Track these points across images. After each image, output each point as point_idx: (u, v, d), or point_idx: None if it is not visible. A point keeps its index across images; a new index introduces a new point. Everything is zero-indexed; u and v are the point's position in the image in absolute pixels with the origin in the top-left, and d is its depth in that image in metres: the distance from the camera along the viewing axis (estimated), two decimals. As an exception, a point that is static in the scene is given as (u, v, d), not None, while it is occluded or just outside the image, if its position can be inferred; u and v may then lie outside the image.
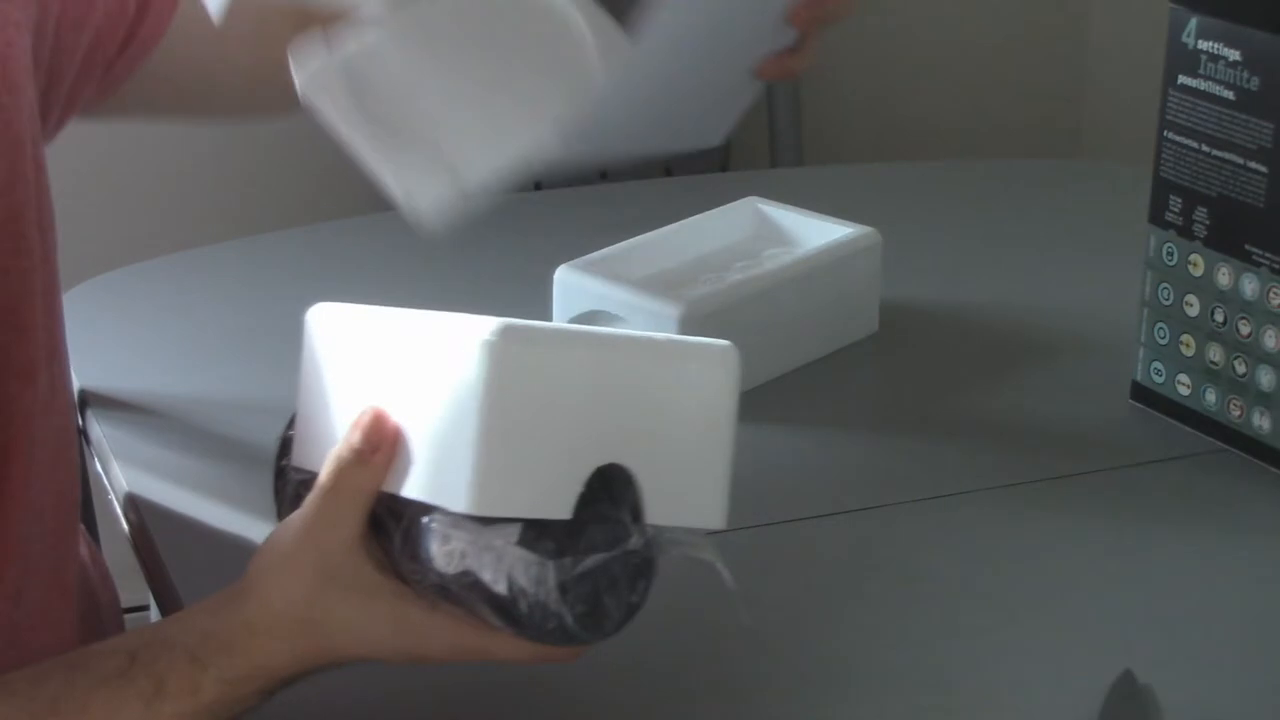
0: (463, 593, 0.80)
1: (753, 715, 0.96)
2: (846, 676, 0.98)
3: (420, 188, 0.89)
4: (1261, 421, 1.16)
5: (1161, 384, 1.22)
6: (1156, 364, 1.23)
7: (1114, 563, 1.08)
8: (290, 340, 1.23)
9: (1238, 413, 1.18)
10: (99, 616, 1.12)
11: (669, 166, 2.54)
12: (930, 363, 1.32)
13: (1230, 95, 1.15)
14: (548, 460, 0.79)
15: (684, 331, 1.21)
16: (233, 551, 1.08)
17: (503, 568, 0.79)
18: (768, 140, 2.58)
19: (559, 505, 0.79)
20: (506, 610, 0.80)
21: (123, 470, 1.16)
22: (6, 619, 0.97)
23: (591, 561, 0.79)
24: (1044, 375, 1.30)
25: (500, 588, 0.79)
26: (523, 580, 0.79)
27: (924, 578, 1.06)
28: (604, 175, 2.51)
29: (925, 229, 1.52)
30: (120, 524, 1.15)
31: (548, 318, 1.27)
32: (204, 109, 1.24)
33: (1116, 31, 2.57)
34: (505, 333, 0.78)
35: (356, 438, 0.84)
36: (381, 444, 0.84)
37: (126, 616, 1.20)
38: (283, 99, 1.14)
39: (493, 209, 0.94)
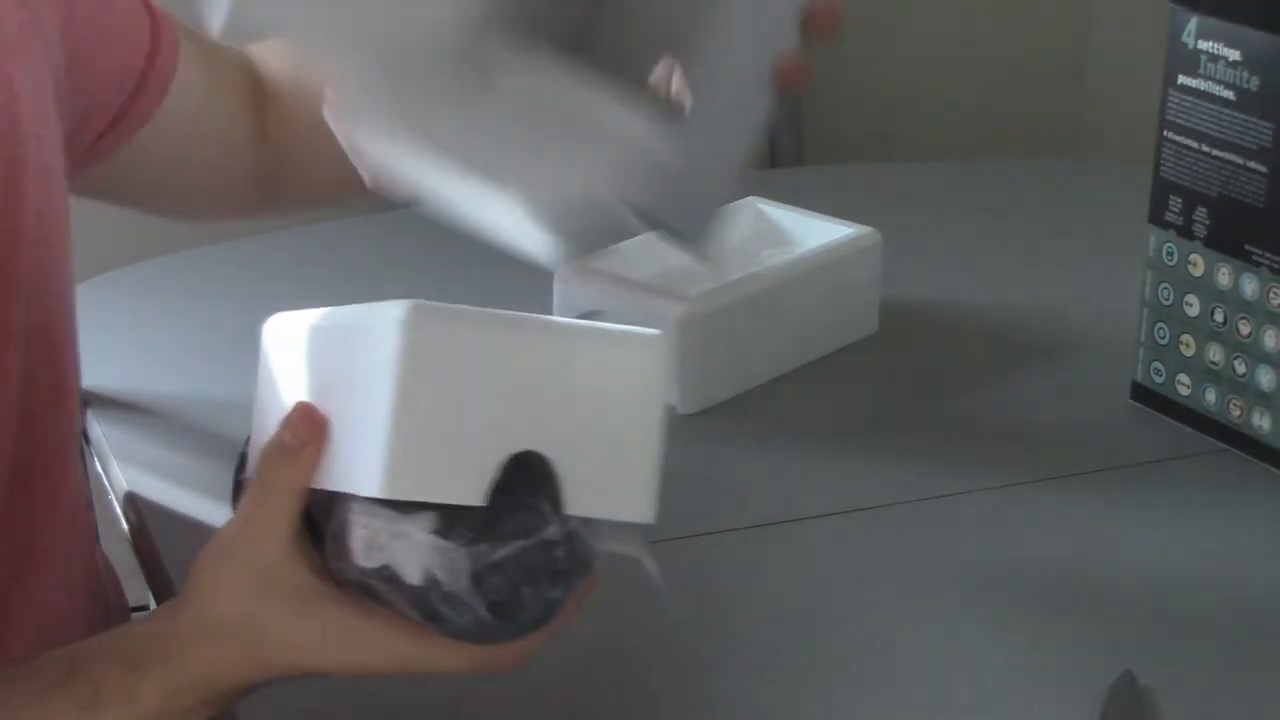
0: (383, 589, 0.79)
1: (752, 715, 0.96)
2: (846, 676, 0.98)
3: (515, 226, 0.87)
4: (1261, 421, 1.16)
5: (1161, 384, 1.23)
6: (1156, 364, 1.23)
7: (1114, 562, 1.08)
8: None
9: (1238, 413, 1.18)
10: (108, 618, 1.12)
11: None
12: (930, 363, 1.32)
13: (1230, 95, 1.15)
14: (462, 444, 0.78)
15: (684, 331, 1.21)
16: (233, 551, 1.09)
17: (417, 558, 0.78)
18: (768, 140, 2.58)
19: (473, 491, 0.78)
20: (423, 603, 0.78)
21: (123, 470, 1.16)
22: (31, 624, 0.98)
23: (506, 550, 0.78)
24: (1044, 375, 1.30)
25: (414, 579, 0.78)
26: (436, 570, 0.78)
27: (924, 578, 1.06)
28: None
29: (925, 229, 1.52)
30: (120, 524, 1.15)
31: (548, 318, 1.27)
32: (176, 204, 1.21)
33: (1116, 31, 2.57)
34: (417, 311, 0.77)
35: (285, 433, 0.83)
36: (311, 438, 0.82)
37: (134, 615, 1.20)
38: (256, 199, 1.17)
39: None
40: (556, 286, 1.27)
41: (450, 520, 0.78)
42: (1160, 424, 1.22)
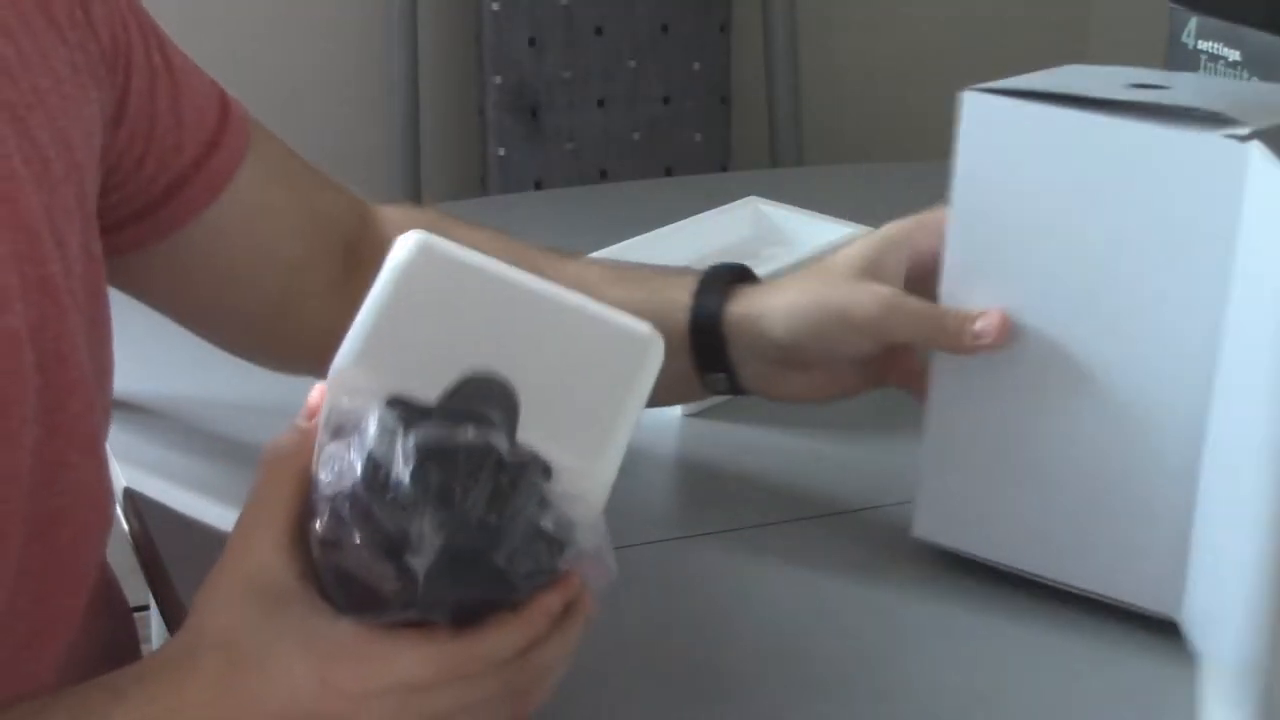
0: (340, 511, 0.79)
1: (750, 715, 0.96)
2: (846, 676, 0.98)
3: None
4: None
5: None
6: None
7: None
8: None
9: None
10: (110, 614, 1.11)
11: (669, 166, 2.54)
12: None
13: (1230, 95, 1.15)
14: (433, 351, 0.81)
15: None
16: (233, 551, 1.09)
17: (364, 441, 0.78)
18: (768, 140, 2.59)
19: (431, 386, 0.80)
20: (364, 507, 0.78)
21: (123, 470, 1.16)
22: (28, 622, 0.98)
23: (445, 434, 0.78)
24: (1044, 375, 1.30)
25: (357, 468, 0.78)
26: (377, 446, 0.78)
27: (924, 577, 1.06)
28: (604, 174, 2.52)
29: (925, 229, 1.52)
30: (120, 524, 1.15)
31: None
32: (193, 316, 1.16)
33: (1116, 31, 2.58)
34: (428, 238, 0.84)
35: (301, 413, 0.83)
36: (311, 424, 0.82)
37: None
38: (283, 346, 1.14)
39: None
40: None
41: (404, 406, 0.79)
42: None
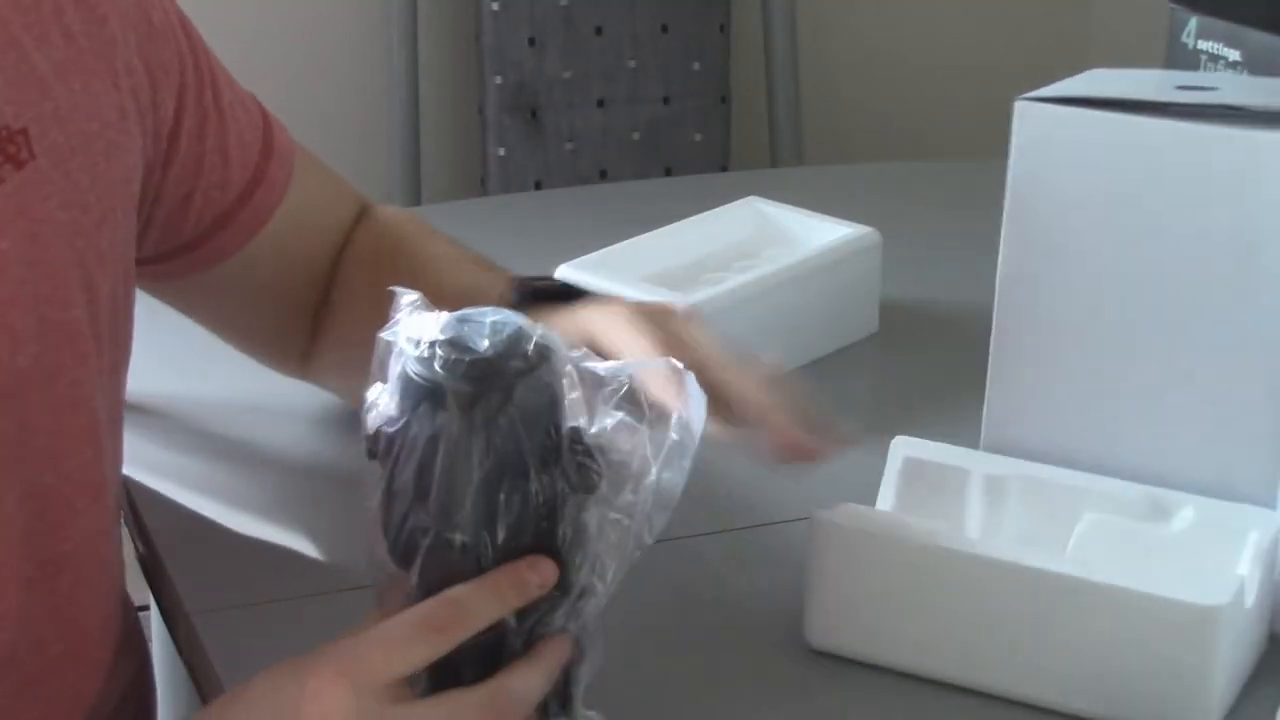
0: (393, 443, 0.81)
1: (749, 714, 0.96)
2: (846, 676, 0.98)
3: None
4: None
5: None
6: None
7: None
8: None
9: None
10: (130, 655, 1.11)
11: (669, 166, 2.54)
12: (930, 363, 1.32)
13: (1230, 95, 1.15)
14: None
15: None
16: (234, 552, 1.08)
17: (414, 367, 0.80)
18: (768, 140, 2.59)
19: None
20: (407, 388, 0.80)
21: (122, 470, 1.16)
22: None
23: (492, 352, 0.79)
24: (1044, 375, 1.30)
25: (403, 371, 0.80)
26: (428, 358, 0.80)
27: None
28: (604, 174, 2.52)
29: (925, 229, 1.52)
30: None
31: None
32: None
33: (1116, 31, 2.58)
34: None
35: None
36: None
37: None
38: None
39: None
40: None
41: (461, 349, 0.80)
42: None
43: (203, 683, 0.99)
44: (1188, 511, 0.98)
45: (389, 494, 0.82)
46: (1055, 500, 1.00)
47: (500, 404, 0.79)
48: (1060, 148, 1.00)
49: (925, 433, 1.08)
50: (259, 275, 1.11)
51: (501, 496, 0.80)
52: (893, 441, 1.06)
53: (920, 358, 1.33)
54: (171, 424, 1.21)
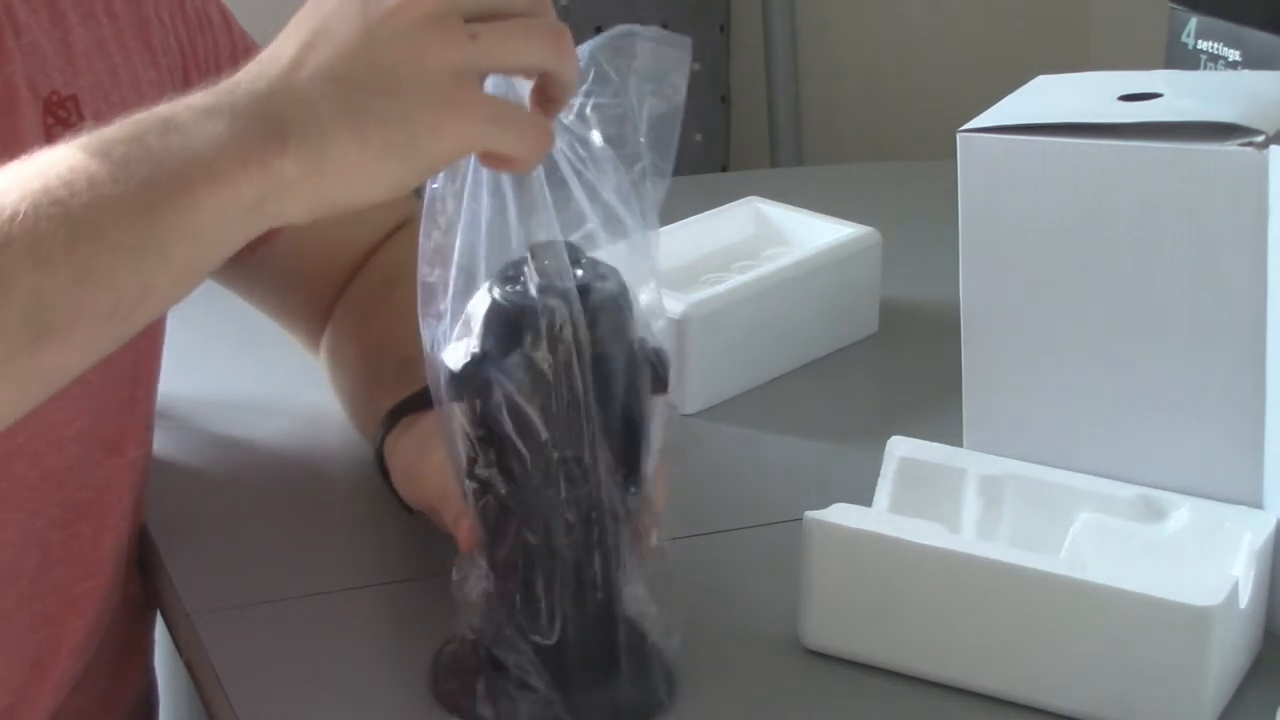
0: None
1: (744, 715, 0.96)
2: (840, 676, 0.98)
3: None
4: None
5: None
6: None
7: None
8: (290, 339, 1.24)
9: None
10: (128, 607, 1.12)
11: (669, 166, 2.54)
12: (930, 363, 1.32)
13: (1230, 95, 1.15)
14: None
15: (684, 331, 1.21)
16: (234, 552, 1.08)
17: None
18: (768, 140, 2.59)
19: None
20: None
21: (123, 470, 1.16)
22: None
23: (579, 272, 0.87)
24: (1044, 375, 1.30)
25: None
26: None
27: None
28: (604, 175, 2.51)
29: (925, 229, 1.52)
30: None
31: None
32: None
33: (1116, 32, 2.57)
34: None
35: None
36: None
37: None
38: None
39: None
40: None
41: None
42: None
43: (203, 683, 0.99)
44: (1183, 512, 0.98)
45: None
46: (1051, 501, 1.00)
47: (591, 321, 0.85)
48: (1007, 176, 1.00)
49: (925, 433, 1.08)
50: (306, 250, 1.14)
51: (599, 411, 0.86)
52: (889, 441, 1.06)
53: (920, 358, 1.33)
54: (171, 424, 1.21)
